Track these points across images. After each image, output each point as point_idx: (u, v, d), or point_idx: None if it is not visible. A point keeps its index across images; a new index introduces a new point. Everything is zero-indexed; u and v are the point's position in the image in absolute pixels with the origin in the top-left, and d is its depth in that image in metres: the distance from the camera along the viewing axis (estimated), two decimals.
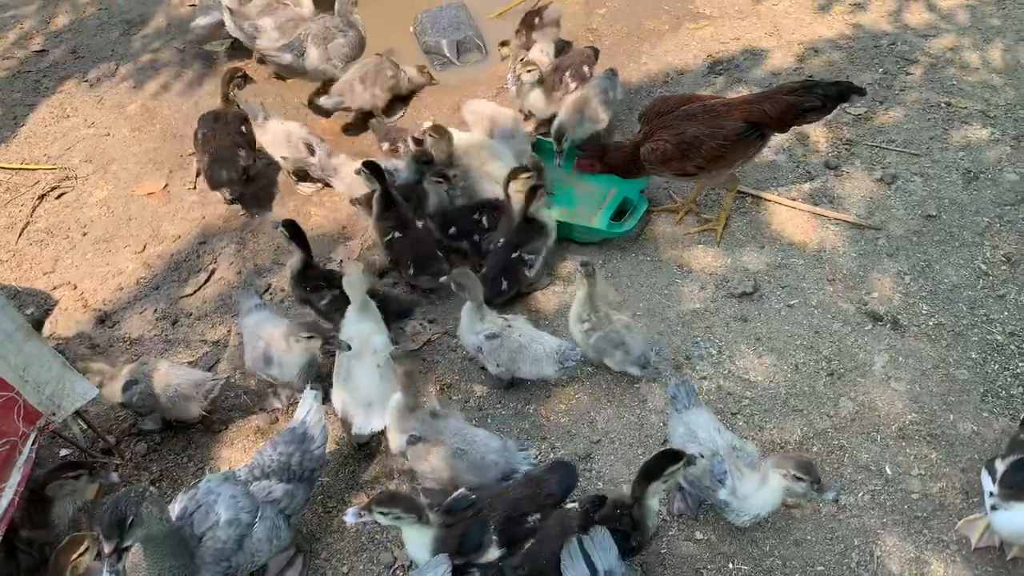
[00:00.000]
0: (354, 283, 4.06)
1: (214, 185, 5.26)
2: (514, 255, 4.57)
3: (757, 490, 3.29)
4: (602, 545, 3.15)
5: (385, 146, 5.61)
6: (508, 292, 4.61)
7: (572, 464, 3.56)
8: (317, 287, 4.46)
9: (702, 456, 3.36)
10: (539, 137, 5.58)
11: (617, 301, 4.59)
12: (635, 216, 4.94)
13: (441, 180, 4.82)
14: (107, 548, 2.76)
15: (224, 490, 3.25)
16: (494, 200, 4.87)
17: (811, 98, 4.33)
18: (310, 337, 3.91)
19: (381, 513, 3.11)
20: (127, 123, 6.26)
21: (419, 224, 4.77)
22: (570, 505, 3.32)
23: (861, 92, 4.37)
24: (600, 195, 5.26)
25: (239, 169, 5.23)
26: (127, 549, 2.81)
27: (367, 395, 3.90)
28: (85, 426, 4.09)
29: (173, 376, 4.02)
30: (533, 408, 4.19)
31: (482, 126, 5.46)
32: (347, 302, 4.11)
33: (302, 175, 5.56)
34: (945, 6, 6.53)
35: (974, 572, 3.43)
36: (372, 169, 4.66)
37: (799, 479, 3.15)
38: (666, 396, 3.76)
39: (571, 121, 5.29)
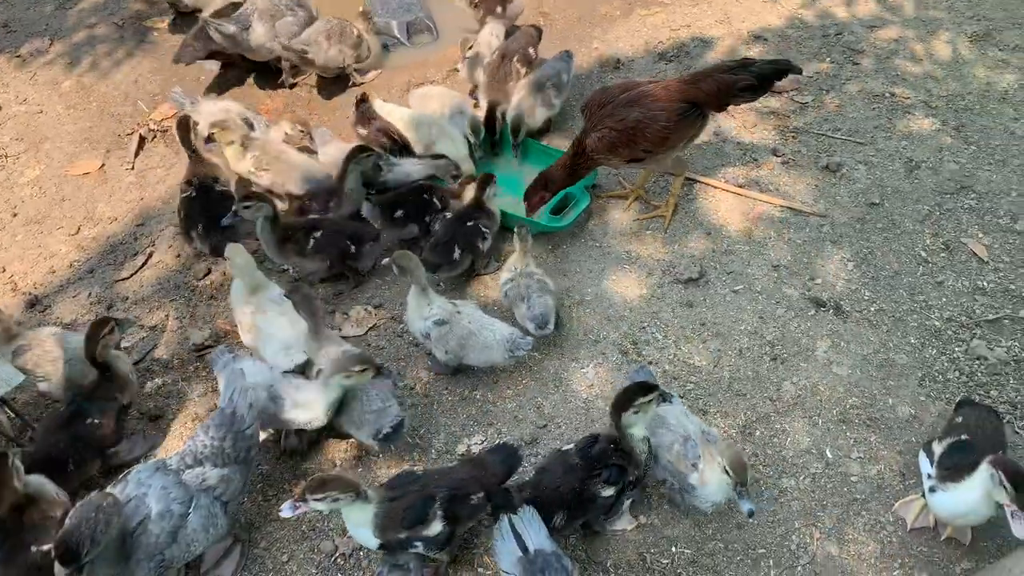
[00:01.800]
0: (242, 266, 4.05)
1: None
2: (469, 223, 4.52)
3: (715, 474, 3.27)
4: (531, 524, 3.17)
5: (362, 131, 5.28)
6: (461, 262, 4.52)
7: (515, 446, 3.55)
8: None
9: (669, 400, 3.39)
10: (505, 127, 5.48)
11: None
12: (575, 211, 4.91)
13: (370, 154, 4.66)
14: (62, 573, 2.72)
15: (155, 481, 3.12)
16: (443, 182, 4.81)
17: (746, 76, 4.42)
18: (363, 370, 3.57)
19: (317, 500, 3.03)
20: (61, 100, 6.03)
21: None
22: (567, 447, 3.45)
23: (796, 71, 4.48)
24: None
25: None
26: (85, 565, 2.74)
27: (284, 339, 3.96)
28: (12, 414, 3.93)
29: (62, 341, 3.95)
30: (480, 394, 4.15)
31: (431, 110, 5.38)
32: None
33: None
34: None
35: (910, 552, 3.49)
36: (257, 199, 4.36)
37: (727, 474, 3.16)
38: (627, 381, 3.72)
39: (527, 109, 5.25)
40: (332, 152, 5.07)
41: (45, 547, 3.19)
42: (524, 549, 3.09)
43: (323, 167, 5.00)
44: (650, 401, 3.23)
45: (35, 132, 5.75)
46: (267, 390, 3.62)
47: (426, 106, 5.41)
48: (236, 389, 3.45)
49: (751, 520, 3.52)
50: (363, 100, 5.33)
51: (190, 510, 3.12)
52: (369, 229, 4.67)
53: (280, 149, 5.02)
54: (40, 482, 3.36)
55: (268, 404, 3.61)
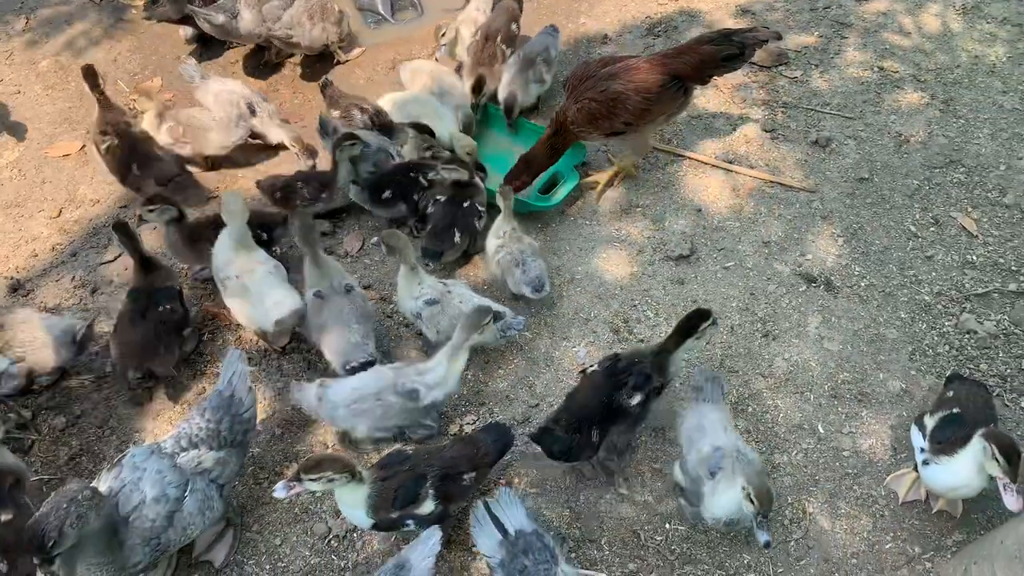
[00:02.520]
0: (234, 212, 4.03)
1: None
2: (465, 204, 4.48)
3: (725, 492, 3.15)
4: (509, 505, 3.18)
5: (336, 113, 5.23)
6: (461, 245, 4.48)
7: (507, 425, 3.55)
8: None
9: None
10: (489, 104, 5.41)
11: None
12: (564, 190, 4.87)
13: (354, 142, 4.58)
14: (37, 561, 2.66)
15: (150, 465, 3.09)
16: (429, 159, 4.74)
17: (728, 46, 4.43)
18: (489, 321, 3.65)
19: (312, 480, 3.01)
20: (39, 80, 5.91)
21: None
22: (592, 368, 3.56)
23: (776, 37, 4.53)
24: None
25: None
26: (56, 557, 2.67)
27: (271, 297, 3.95)
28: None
29: (38, 328, 3.91)
30: (471, 374, 4.12)
31: (421, 84, 5.31)
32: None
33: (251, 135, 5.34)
34: None
35: (901, 525, 3.51)
36: (123, 233, 4.06)
37: (752, 502, 3.00)
38: (691, 384, 3.66)
39: (518, 87, 5.19)
40: (214, 88, 5.22)
41: (3, 518, 3.18)
42: (504, 532, 3.10)
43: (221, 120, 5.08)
44: (713, 324, 3.45)
45: (13, 113, 5.63)
46: (397, 393, 3.59)
47: (417, 80, 5.33)
48: (235, 372, 3.42)
49: (767, 551, 3.41)
50: (327, 84, 5.27)
51: (186, 494, 3.09)
52: (276, 215, 4.56)
53: (189, 115, 5.07)
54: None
55: (406, 403, 3.61)
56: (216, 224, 4.28)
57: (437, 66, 5.46)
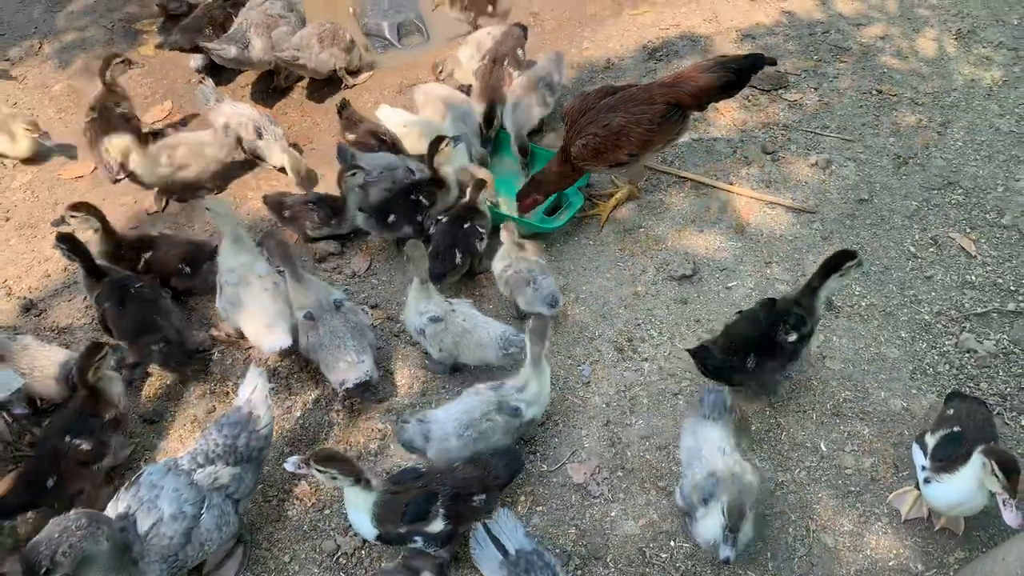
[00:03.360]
0: (220, 215, 4.16)
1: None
2: (466, 226, 4.55)
3: (712, 515, 3.17)
4: (508, 525, 3.23)
5: (351, 137, 5.33)
6: (462, 266, 4.53)
7: (518, 451, 3.60)
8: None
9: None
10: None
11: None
12: (569, 212, 4.94)
13: (355, 171, 4.68)
14: None
15: (167, 483, 3.16)
16: (425, 178, 4.82)
17: (725, 73, 4.51)
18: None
19: (319, 469, 3.14)
20: (52, 103, 6.02)
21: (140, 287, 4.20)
22: (747, 308, 3.91)
23: (771, 62, 4.61)
24: None
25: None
26: None
27: (265, 318, 4.03)
28: (10, 419, 3.92)
29: (38, 354, 3.94)
30: None
31: (433, 108, 5.39)
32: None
33: (257, 156, 5.45)
34: None
35: (904, 543, 3.55)
36: (69, 245, 4.06)
37: (722, 515, 3.07)
38: (696, 399, 3.77)
39: (524, 112, 5.28)
40: (227, 111, 5.35)
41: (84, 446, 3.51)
42: (504, 552, 3.14)
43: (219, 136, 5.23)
44: (858, 264, 3.62)
45: None
46: (502, 412, 3.63)
47: (430, 104, 5.41)
48: (255, 388, 3.50)
49: (727, 563, 3.26)
50: (344, 106, 5.36)
51: (203, 511, 3.14)
52: (205, 248, 4.53)
53: (180, 138, 5.23)
54: (113, 380, 3.70)
55: (510, 422, 3.64)
56: (142, 245, 4.39)
57: (452, 91, 5.52)
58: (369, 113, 5.72)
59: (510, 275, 4.32)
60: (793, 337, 3.72)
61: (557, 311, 4.29)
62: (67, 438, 3.55)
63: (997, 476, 2.99)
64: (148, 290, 4.19)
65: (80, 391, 3.65)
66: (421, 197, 4.74)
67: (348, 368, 3.88)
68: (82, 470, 3.56)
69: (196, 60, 6.19)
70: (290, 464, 3.20)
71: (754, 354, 3.72)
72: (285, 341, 3.98)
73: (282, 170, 5.34)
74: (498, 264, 4.42)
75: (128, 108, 5.41)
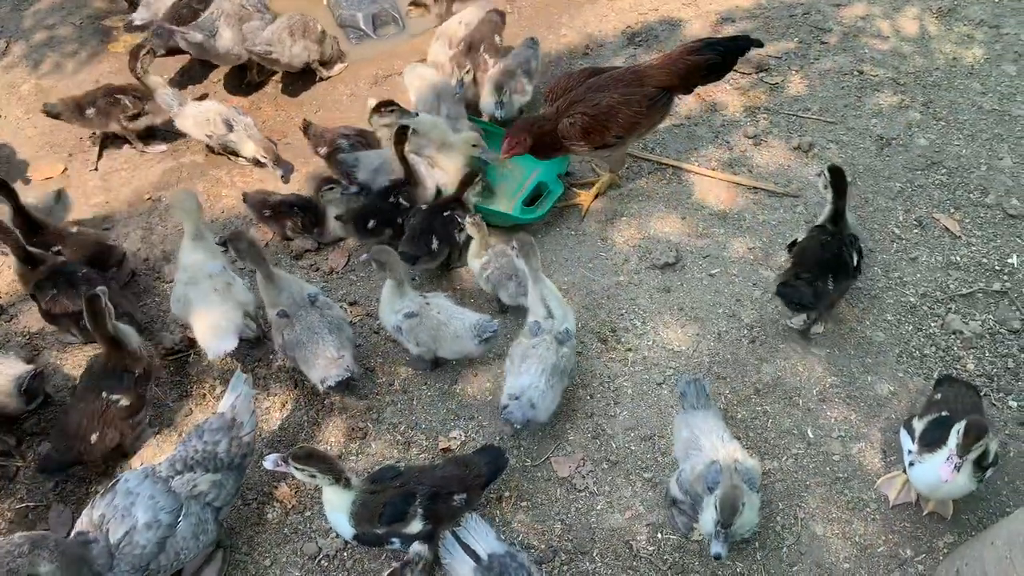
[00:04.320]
0: (187, 209, 4.06)
1: None
2: (445, 214, 4.48)
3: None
4: (477, 530, 3.18)
5: (323, 151, 5.11)
6: (439, 253, 4.45)
7: (502, 449, 3.54)
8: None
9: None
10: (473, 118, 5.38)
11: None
12: (548, 202, 4.87)
13: (332, 186, 4.64)
14: None
15: (143, 490, 3.09)
16: (399, 178, 4.71)
17: (712, 55, 4.44)
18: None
19: (297, 467, 3.09)
20: (20, 104, 5.89)
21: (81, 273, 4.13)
22: (804, 237, 4.08)
23: (757, 44, 4.54)
24: (519, 179, 5.13)
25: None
26: None
27: (211, 319, 3.91)
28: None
29: None
30: (460, 387, 4.11)
31: (422, 91, 5.28)
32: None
33: (231, 151, 5.33)
34: None
35: (893, 529, 3.51)
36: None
37: (715, 509, 3.02)
38: (675, 393, 3.72)
39: (504, 98, 5.21)
40: (191, 112, 5.21)
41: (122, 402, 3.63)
42: (476, 558, 3.09)
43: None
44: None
45: None
46: (563, 346, 3.76)
47: (419, 85, 5.31)
48: (239, 395, 3.45)
49: (715, 561, 3.33)
50: (308, 125, 5.21)
51: (179, 519, 3.07)
52: (115, 253, 4.47)
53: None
54: (128, 331, 3.70)
55: (568, 346, 3.78)
56: (57, 272, 4.12)
57: (436, 74, 5.43)
58: (345, 105, 5.63)
59: (491, 272, 4.26)
60: (856, 259, 3.98)
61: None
62: (104, 395, 3.62)
63: (958, 435, 3.04)
64: (95, 275, 4.12)
65: (104, 349, 3.68)
66: (400, 199, 4.65)
67: (328, 364, 3.80)
68: (122, 424, 3.68)
69: (136, 16, 5.97)
70: (269, 462, 3.14)
71: (832, 276, 3.89)
72: (230, 344, 3.87)
73: (256, 163, 5.24)
74: (476, 262, 4.34)
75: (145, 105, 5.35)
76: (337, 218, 4.66)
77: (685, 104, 5.55)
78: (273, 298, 3.93)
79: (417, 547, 3.12)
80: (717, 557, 3.01)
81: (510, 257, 4.22)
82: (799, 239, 4.14)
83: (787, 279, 3.93)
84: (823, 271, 3.88)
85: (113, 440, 3.67)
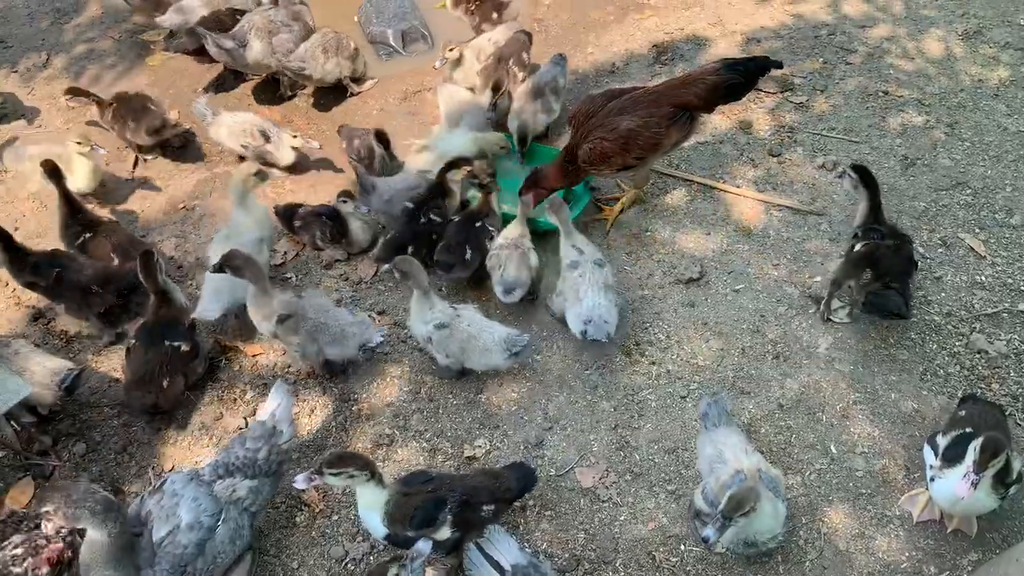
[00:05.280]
0: (236, 180, 4.47)
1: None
2: (477, 224, 4.55)
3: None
4: (501, 542, 3.19)
5: (360, 168, 5.13)
6: (472, 262, 4.48)
7: (533, 468, 3.58)
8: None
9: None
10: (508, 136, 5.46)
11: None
12: (575, 210, 4.93)
13: (345, 199, 4.81)
14: None
15: (187, 492, 3.18)
16: (420, 194, 4.78)
17: (732, 75, 4.48)
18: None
19: (332, 475, 3.07)
20: (60, 115, 6.04)
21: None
22: (869, 244, 4.16)
23: (778, 65, 4.58)
24: None
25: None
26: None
27: (216, 283, 4.21)
28: (19, 427, 3.93)
29: (30, 360, 3.91)
30: (485, 397, 4.17)
31: (454, 112, 5.37)
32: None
33: (265, 162, 5.43)
34: None
35: (916, 546, 3.51)
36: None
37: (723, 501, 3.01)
38: (697, 413, 3.73)
39: (530, 116, 5.28)
40: (227, 122, 5.36)
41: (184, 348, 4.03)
42: (500, 570, 3.11)
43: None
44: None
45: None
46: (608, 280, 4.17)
47: (451, 104, 5.40)
48: (280, 404, 3.55)
49: (703, 545, 3.22)
50: (342, 127, 5.38)
51: (219, 523, 3.15)
52: (120, 275, 4.43)
53: None
54: (174, 287, 4.18)
55: (604, 271, 4.20)
56: (50, 263, 4.40)
57: (473, 96, 5.52)
58: (375, 120, 5.75)
59: (494, 256, 4.41)
60: (915, 254, 4.18)
61: (513, 300, 4.38)
62: (166, 342, 3.99)
63: (975, 452, 3.04)
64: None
65: (154, 303, 4.10)
66: (432, 215, 4.71)
67: (362, 330, 4.06)
68: (185, 368, 4.05)
69: (166, 20, 6.12)
70: (299, 482, 3.07)
71: (909, 276, 4.08)
72: (212, 313, 4.21)
73: (295, 168, 5.36)
74: (496, 240, 4.52)
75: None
76: (378, 259, 4.74)
77: (711, 122, 5.62)
78: (266, 311, 3.99)
79: (420, 545, 3.07)
80: (705, 540, 2.97)
81: (513, 251, 4.33)
82: (856, 247, 4.22)
83: (875, 289, 4.05)
84: (904, 274, 4.04)
85: (180, 385, 4.00)
